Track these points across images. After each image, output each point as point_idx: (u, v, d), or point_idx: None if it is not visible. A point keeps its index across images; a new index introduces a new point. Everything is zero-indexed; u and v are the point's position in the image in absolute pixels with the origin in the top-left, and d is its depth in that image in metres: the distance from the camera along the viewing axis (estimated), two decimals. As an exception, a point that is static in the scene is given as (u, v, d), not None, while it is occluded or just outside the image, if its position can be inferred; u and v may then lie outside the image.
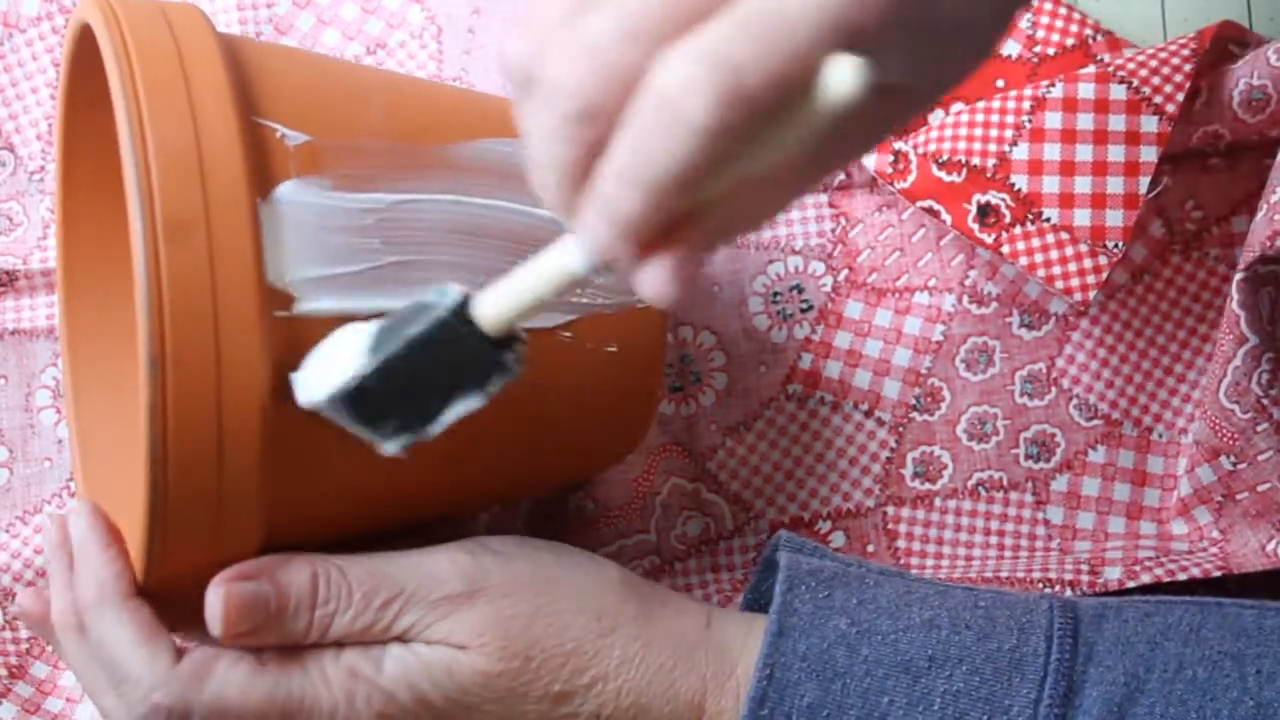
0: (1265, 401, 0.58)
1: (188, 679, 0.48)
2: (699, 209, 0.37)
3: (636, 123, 0.35)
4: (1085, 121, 0.61)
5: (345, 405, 0.43)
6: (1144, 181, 0.61)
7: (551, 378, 0.51)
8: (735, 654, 0.51)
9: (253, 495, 0.46)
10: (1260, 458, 0.59)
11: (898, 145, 0.63)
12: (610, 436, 0.57)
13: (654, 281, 0.37)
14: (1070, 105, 0.61)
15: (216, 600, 0.47)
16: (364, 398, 0.43)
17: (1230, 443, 0.60)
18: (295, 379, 0.45)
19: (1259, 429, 0.59)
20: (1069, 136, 0.61)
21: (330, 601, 0.49)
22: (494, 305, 0.41)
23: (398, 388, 0.43)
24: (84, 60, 0.53)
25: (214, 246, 0.44)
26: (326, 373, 0.44)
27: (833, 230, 0.66)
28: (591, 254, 0.37)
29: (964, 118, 0.62)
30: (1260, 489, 0.59)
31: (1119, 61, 0.62)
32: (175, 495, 0.44)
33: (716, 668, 0.51)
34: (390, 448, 0.44)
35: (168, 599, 0.48)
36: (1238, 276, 0.59)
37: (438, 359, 0.42)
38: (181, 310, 0.43)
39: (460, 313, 0.41)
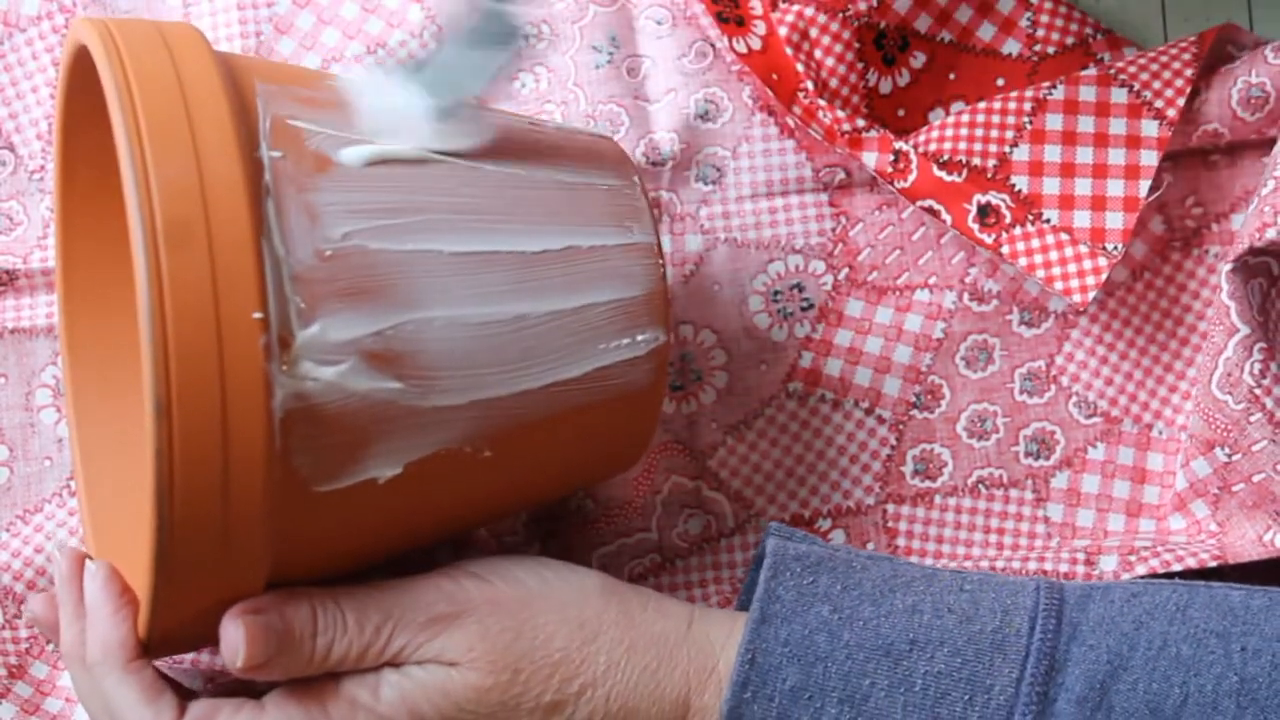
0: (1258, 392, 0.59)
1: None
2: None
3: None
4: (1086, 124, 0.62)
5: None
6: (1144, 185, 0.61)
7: (553, 406, 0.51)
8: (716, 650, 0.52)
9: (258, 525, 0.46)
10: (1255, 448, 0.59)
11: (898, 145, 0.63)
12: (611, 455, 0.57)
13: None
14: (1071, 107, 0.62)
15: (237, 632, 0.48)
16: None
17: (1224, 434, 0.60)
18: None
19: (1252, 419, 0.59)
20: (1069, 138, 0.62)
21: (328, 630, 0.49)
22: None
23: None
24: (81, 76, 0.52)
25: (216, 277, 0.44)
26: None
27: (833, 229, 0.66)
28: None
29: (965, 118, 0.62)
30: (1255, 479, 0.59)
31: (1120, 64, 0.62)
32: (181, 498, 0.44)
33: (699, 664, 0.52)
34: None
35: (172, 632, 0.49)
36: (1227, 268, 0.59)
37: None
38: (186, 351, 0.43)
39: None
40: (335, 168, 0.48)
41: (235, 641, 0.48)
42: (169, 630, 0.48)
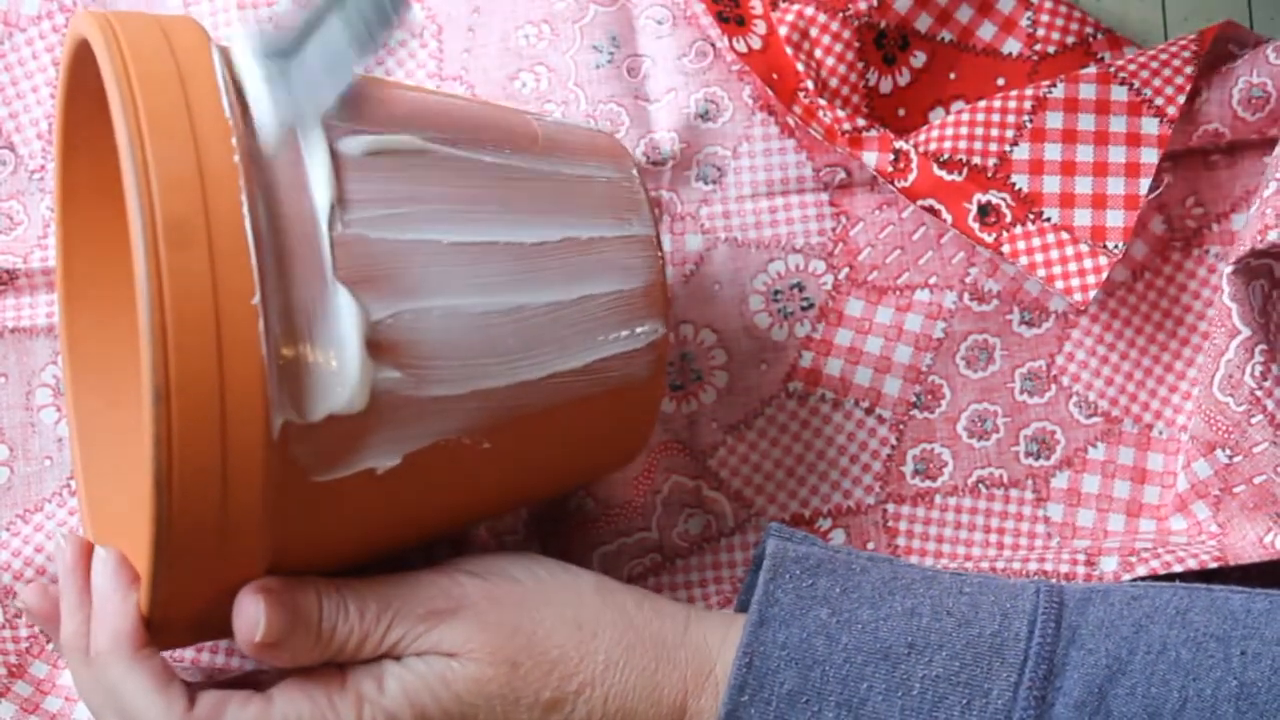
0: (1259, 393, 0.59)
1: None
2: None
3: None
4: (1086, 122, 0.62)
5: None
6: (1144, 183, 0.61)
7: (552, 398, 0.51)
8: (713, 654, 0.52)
9: (256, 515, 0.46)
10: (1255, 450, 0.59)
11: (899, 144, 0.63)
12: (611, 449, 0.57)
13: None
14: (1071, 106, 0.62)
15: (257, 607, 0.48)
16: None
17: (1225, 436, 0.60)
18: None
19: (1253, 421, 0.59)
20: (1070, 137, 0.62)
21: (331, 615, 0.49)
22: None
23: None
24: (82, 70, 0.52)
25: (215, 266, 0.44)
26: None
27: (833, 228, 0.66)
28: None
29: (965, 117, 0.62)
30: (1256, 481, 0.59)
31: (1120, 62, 0.62)
32: (180, 485, 0.44)
33: (696, 667, 0.52)
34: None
35: (171, 623, 0.49)
36: (1228, 270, 0.59)
37: None
38: (184, 338, 0.43)
39: None
40: (334, 157, 0.48)
41: (255, 615, 0.48)
42: (167, 621, 0.48)
